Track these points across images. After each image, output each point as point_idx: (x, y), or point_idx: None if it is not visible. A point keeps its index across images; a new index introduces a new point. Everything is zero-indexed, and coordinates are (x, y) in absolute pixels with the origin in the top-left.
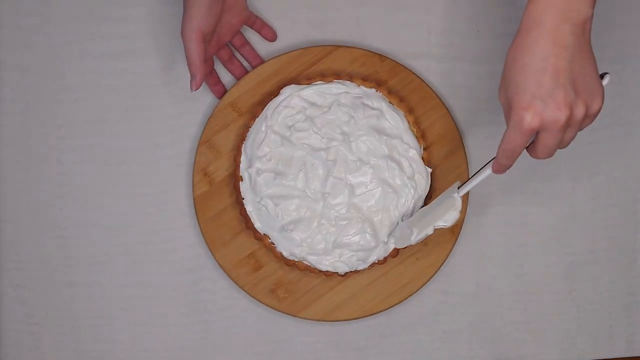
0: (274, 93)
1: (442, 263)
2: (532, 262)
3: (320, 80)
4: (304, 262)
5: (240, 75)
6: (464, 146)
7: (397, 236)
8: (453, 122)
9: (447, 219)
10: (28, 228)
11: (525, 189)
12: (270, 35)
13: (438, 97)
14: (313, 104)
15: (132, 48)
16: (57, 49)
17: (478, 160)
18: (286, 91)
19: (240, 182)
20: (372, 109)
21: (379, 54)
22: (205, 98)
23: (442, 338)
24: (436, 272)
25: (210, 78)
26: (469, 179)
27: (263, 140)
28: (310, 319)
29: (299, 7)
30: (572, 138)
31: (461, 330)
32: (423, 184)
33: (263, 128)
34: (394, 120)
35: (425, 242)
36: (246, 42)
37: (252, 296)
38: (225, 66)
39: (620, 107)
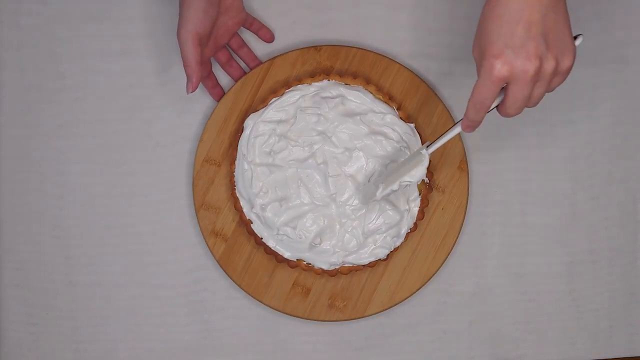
0: (239, 130)
1: (468, 199)
2: (532, 262)
3: (274, 97)
4: (346, 265)
5: (238, 77)
6: (431, 89)
7: (362, 195)
8: (410, 72)
9: (414, 175)
10: (28, 228)
11: (525, 189)
12: (267, 36)
13: (383, 55)
14: (279, 121)
15: (131, 48)
16: (57, 49)
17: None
18: (249, 123)
19: (252, 225)
20: (333, 97)
21: (313, 46)
22: (205, 98)
23: (442, 338)
24: (466, 209)
25: (209, 81)
26: (437, 138)
27: (251, 177)
28: (379, 312)
29: (299, 7)
30: (541, 96)
31: (461, 330)
32: (413, 140)
33: (246, 166)
34: (358, 98)
35: (442, 190)
36: (244, 44)
37: (316, 320)
38: (223, 69)
39: (620, 107)
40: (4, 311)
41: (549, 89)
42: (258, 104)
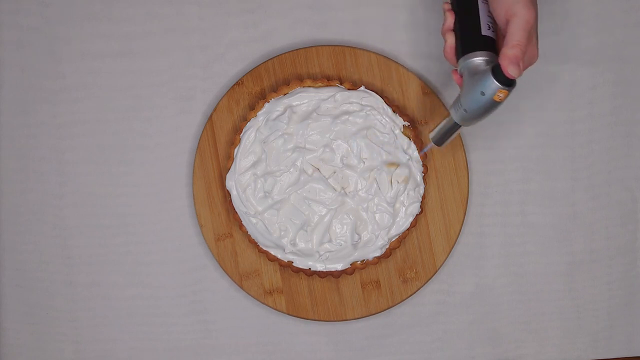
0: (226, 195)
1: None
2: (532, 262)
3: (234, 148)
4: (393, 239)
5: None
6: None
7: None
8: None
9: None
10: (28, 228)
11: (525, 189)
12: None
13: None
14: (254, 164)
15: (132, 48)
16: (57, 49)
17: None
18: (230, 183)
19: (294, 264)
20: (282, 113)
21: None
22: (205, 98)
23: (442, 338)
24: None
25: None
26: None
27: (265, 226)
28: (448, 257)
29: (299, 7)
30: None
31: (461, 330)
32: (372, 100)
33: (254, 220)
34: (303, 98)
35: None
36: None
37: (403, 300)
38: None
39: (620, 107)
40: (4, 311)
41: None
42: (225, 161)
